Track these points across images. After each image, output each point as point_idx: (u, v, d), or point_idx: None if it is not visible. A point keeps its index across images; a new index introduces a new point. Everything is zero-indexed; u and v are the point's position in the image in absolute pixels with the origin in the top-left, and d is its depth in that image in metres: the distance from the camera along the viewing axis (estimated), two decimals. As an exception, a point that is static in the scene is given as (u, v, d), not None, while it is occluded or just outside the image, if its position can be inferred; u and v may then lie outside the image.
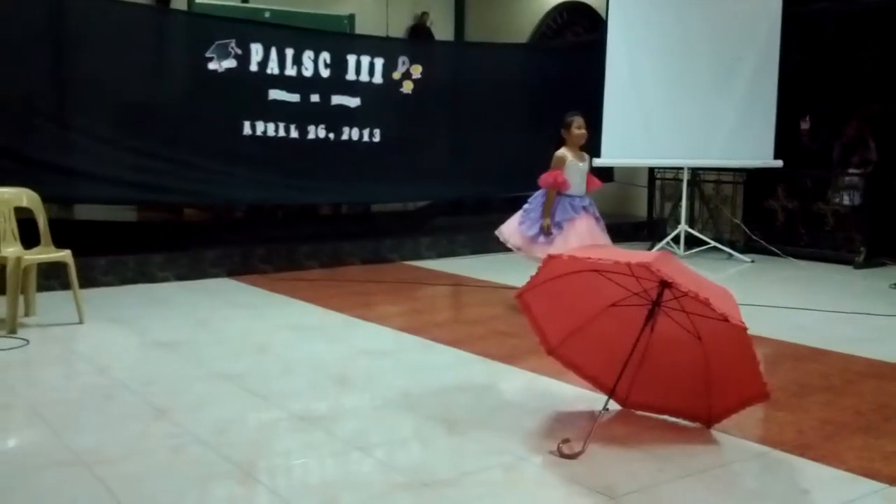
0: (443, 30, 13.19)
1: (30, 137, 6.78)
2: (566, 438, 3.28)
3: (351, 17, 10.96)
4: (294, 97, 8.07)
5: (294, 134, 8.08)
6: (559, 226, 5.73)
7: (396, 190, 9.06)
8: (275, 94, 7.96)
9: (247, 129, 7.84)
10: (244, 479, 3.03)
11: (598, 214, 5.97)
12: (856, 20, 8.86)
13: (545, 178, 5.82)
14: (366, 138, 8.51)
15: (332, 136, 8.30)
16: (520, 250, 5.94)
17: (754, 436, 3.54)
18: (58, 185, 6.80)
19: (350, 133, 8.42)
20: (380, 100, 8.59)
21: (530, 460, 3.25)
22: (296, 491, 3.02)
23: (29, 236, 5.58)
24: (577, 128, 5.84)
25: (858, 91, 8.79)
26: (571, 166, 5.82)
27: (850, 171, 8.29)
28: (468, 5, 13.68)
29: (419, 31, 12.89)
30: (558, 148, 5.89)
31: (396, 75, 8.69)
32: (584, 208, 5.85)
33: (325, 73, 8.22)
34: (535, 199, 5.95)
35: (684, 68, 8.64)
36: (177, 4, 10.40)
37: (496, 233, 6.13)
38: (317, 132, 8.22)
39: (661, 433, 3.55)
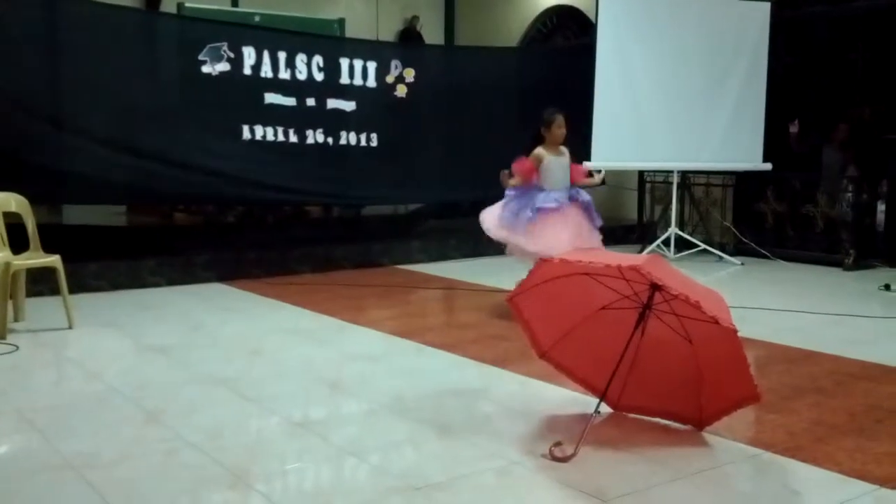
0: (433, 34, 13.20)
1: (22, 140, 6.75)
2: (558, 441, 3.28)
3: (341, 22, 10.95)
4: (290, 101, 8.06)
5: (293, 138, 8.07)
6: (532, 213, 5.66)
7: (395, 193, 9.14)
8: (271, 98, 7.96)
9: (246, 133, 7.83)
10: (236, 484, 3.02)
11: (586, 199, 5.89)
12: (845, 23, 8.91)
13: (518, 166, 5.81)
14: (363, 143, 8.52)
15: (330, 140, 8.30)
16: (498, 238, 5.88)
17: (746, 438, 3.55)
18: (50, 186, 6.82)
19: (348, 137, 8.42)
20: (375, 104, 8.60)
21: (522, 464, 3.25)
22: (288, 496, 3.02)
23: (18, 241, 5.56)
24: (558, 126, 5.81)
25: (848, 94, 8.84)
26: (551, 163, 5.80)
27: (850, 175, 8.31)
28: (458, 9, 13.71)
29: (409, 35, 12.90)
30: (535, 145, 5.86)
31: (390, 79, 8.70)
32: (572, 198, 5.82)
33: (318, 76, 8.22)
34: (519, 194, 5.87)
35: (674, 72, 8.67)
36: (166, 9, 10.37)
37: (480, 221, 6.03)
38: (315, 136, 8.21)
39: (653, 436, 3.56)
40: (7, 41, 6.74)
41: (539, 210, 5.67)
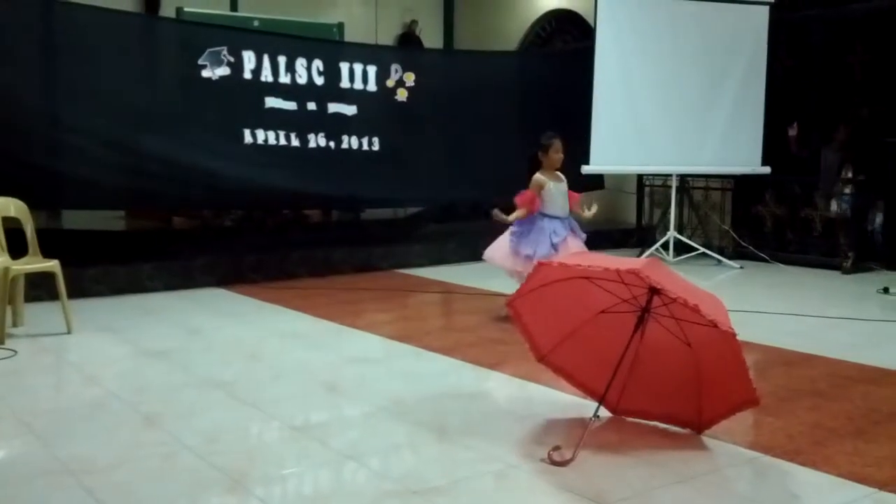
0: (432, 38, 13.21)
1: (22, 145, 6.75)
2: (557, 446, 3.28)
3: (340, 26, 10.97)
4: (291, 105, 8.06)
5: (295, 142, 8.07)
6: (555, 247, 5.68)
7: (397, 196, 9.21)
8: (271, 102, 7.95)
9: (247, 138, 7.83)
10: (235, 488, 3.02)
11: (583, 235, 5.93)
12: (844, 26, 8.91)
13: (521, 198, 5.81)
14: (365, 146, 8.53)
15: (332, 144, 8.31)
16: (515, 274, 5.79)
17: (745, 441, 3.55)
18: (50, 191, 6.83)
19: (349, 141, 8.43)
20: (376, 108, 8.61)
21: (521, 467, 3.25)
22: (287, 500, 3.02)
23: (17, 246, 5.55)
24: (556, 152, 5.79)
25: (847, 97, 8.85)
26: (552, 190, 5.78)
27: (849, 176, 8.30)
28: (457, 13, 13.71)
29: (408, 39, 12.91)
30: (533, 169, 5.84)
31: (390, 83, 8.71)
32: (573, 230, 5.85)
33: (319, 80, 8.22)
34: (523, 225, 5.84)
35: (673, 75, 8.68)
36: (165, 13, 10.39)
37: (484, 257, 6.07)
38: (317, 140, 8.22)
39: (652, 439, 3.55)
40: (6, 46, 6.74)
41: (557, 242, 5.66)
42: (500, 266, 5.98)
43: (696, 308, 3.15)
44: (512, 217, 5.79)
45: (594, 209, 6.06)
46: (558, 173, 5.89)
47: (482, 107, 9.20)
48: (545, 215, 5.80)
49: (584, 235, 5.95)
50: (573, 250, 5.66)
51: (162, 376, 4.54)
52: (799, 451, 3.40)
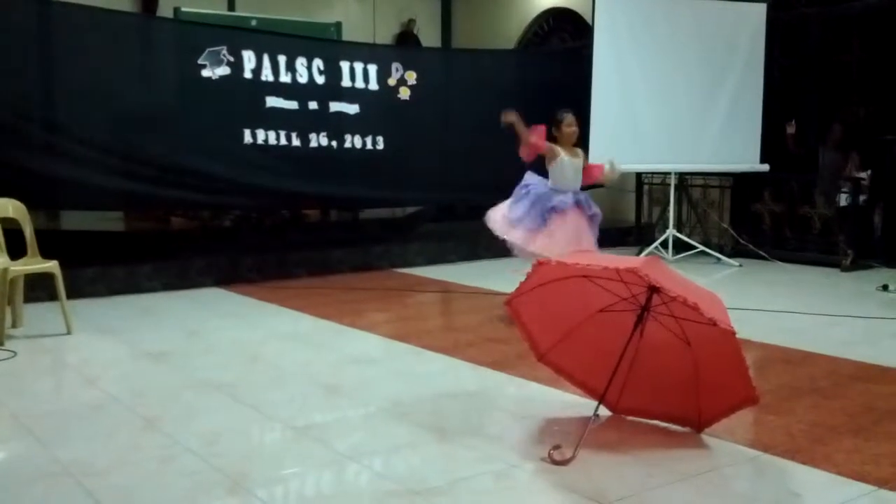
0: (430, 37, 13.21)
1: (21, 146, 6.74)
2: (557, 445, 3.28)
3: (338, 25, 10.97)
4: (292, 104, 8.05)
5: (296, 142, 8.05)
6: (542, 215, 5.61)
7: (403, 195, 9.21)
8: (272, 102, 7.94)
9: (248, 138, 7.81)
10: (235, 490, 3.02)
11: (594, 211, 5.83)
12: (840, 24, 8.93)
13: (533, 130, 5.75)
14: (369, 145, 8.51)
15: (334, 143, 8.29)
16: (503, 236, 5.75)
17: (744, 440, 3.55)
18: (49, 192, 6.83)
19: (353, 140, 8.41)
20: (378, 106, 8.60)
21: (521, 467, 3.25)
22: (288, 501, 3.02)
23: (15, 247, 5.55)
24: (568, 125, 5.80)
25: (843, 95, 8.86)
26: (563, 162, 5.74)
27: (856, 175, 8.29)
28: (455, 12, 13.71)
29: (406, 38, 12.91)
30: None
31: (392, 82, 8.70)
32: (578, 203, 5.75)
33: (319, 80, 8.20)
34: (522, 188, 5.81)
35: (671, 73, 8.69)
36: (163, 13, 10.38)
37: (485, 219, 5.94)
38: (318, 140, 8.20)
39: (652, 438, 3.56)
40: (4, 48, 6.73)
41: (552, 210, 5.62)
42: (492, 226, 5.83)
43: (695, 306, 3.15)
44: (522, 130, 5.72)
45: (618, 169, 5.98)
46: (576, 149, 5.86)
47: (484, 105, 9.16)
48: (551, 188, 5.76)
49: (597, 211, 5.87)
50: (570, 225, 5.60)
51: (161, 378, 4.54)
52: (798, 450, 3.40)
